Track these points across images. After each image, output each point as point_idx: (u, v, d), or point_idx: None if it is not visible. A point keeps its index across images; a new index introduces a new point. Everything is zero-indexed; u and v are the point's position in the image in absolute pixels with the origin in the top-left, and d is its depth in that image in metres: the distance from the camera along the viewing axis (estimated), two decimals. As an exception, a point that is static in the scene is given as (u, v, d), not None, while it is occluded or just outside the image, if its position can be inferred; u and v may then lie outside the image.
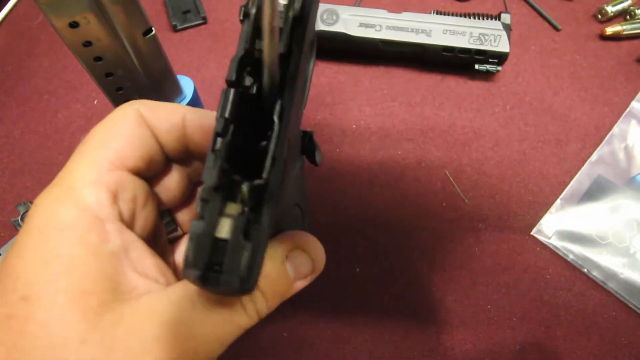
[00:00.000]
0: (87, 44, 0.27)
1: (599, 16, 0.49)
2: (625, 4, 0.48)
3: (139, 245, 0.19)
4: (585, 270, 0.36)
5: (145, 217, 0.21)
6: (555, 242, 0.37)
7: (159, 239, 0.24)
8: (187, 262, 0.14)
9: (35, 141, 0.42)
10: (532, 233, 0.38)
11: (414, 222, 0.38)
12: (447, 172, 0.41)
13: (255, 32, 0.15)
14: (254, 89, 0.16)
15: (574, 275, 0.37)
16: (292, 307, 0.36)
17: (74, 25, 0.26)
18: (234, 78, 0.15)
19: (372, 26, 0.43)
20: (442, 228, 0.38)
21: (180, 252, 0.30)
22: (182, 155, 0.23)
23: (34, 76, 0.46)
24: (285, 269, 0.20)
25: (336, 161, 0.41)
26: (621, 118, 0.43)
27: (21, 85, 0.45)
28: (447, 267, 0.37)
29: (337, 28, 0.43)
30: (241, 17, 0.16)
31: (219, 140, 0.15)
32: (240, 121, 0.15)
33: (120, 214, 0.19)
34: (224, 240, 0.14)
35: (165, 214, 0.27)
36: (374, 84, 0.45)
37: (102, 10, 0.26)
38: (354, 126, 0.43)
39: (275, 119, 0.15)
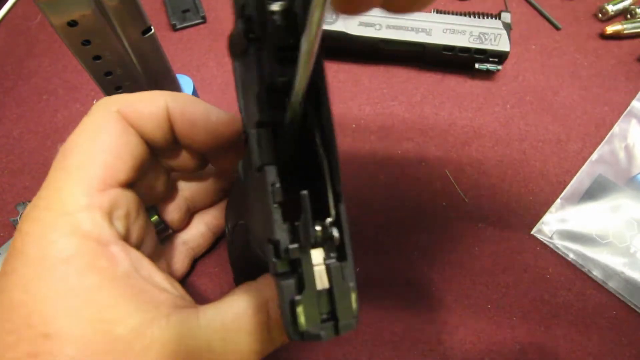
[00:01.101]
0: (86, 42, 0.27)
1: (600, 15, 0.49)
2: (625, 3, 0.48)
3: (145, 261, 0.19)
4: (586, 269, 0.36)
5: (138, 227, 0.20)
6: (555, 242, 0.37)
7: (150, 241, 0.23)
8: (295, 328, 0.14)
9: (34, 141, 0.42)
10: (532, 232, 0.38)
11: (414, 221, 0.38)
12: (447, 172, 0.40)
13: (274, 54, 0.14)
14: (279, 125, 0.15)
15: (574, 274, 0.36)
16: (291, 306, 0.36)
17: (72, 24, 0.26)
18: (261, 118, 0.14)
19: (371, 25, 0.43)
20: (442, 227, 0.38)
21: (173, 253, 0.30)
22: (170, 146, 0.22)
23: (33, 76, 0.46)
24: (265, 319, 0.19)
25: (336, 161, 0.41)
26: (622, 117, 0.43)
27: (20, 85, 0.45)
28: (447, 266, 0.37)
29: (337, 27, 0.43)
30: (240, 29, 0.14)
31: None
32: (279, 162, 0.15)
33: (119, 234, 0.18)
34: (326, 290, 0.14)
35: (152, 211, 0.26)
36: (373, 83, 0.45)
37: (101, 9, 0.26)
38: (353, 125, 0.43)
39: (321, 151, 0.15)
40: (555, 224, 0.38)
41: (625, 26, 0.47)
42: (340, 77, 0.45)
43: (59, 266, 0.16)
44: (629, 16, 0.49)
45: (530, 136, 0.42)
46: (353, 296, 0.14)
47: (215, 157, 0.25)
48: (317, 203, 0.15)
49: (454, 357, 0.34)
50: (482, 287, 0.36)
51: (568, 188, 0.40)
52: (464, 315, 0.35)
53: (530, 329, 0.35)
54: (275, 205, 0.14)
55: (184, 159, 0.24)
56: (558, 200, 0.39)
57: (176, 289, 0.19)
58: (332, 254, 0.15)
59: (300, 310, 0.14)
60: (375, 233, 0.38)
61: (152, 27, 0.29)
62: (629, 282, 0.36)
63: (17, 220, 0.38)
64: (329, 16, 0.43)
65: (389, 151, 0.41)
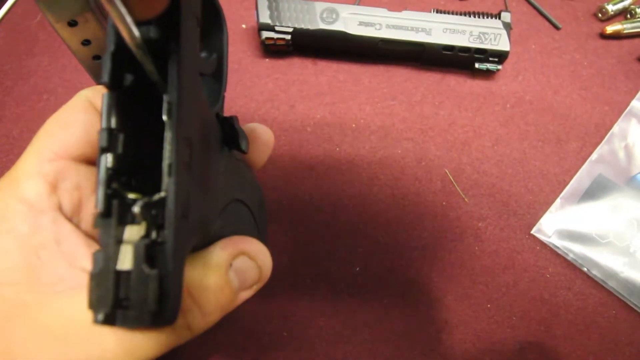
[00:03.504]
0: (86, 42, 0.27)
1: (600, 15, 0.49)
2: (625, 3, 0.48)
3: (74, 236, 0.18)
4: (585, 269, 0.36)
5: (92, 203, 0.20)
6: (555, 241, 0.37)
7: None
8: (91, 304, 0.12)
9: (34, 140, 0.42)
10: (532, 232, 0.38)
11: (414, 221, 0.38)
12: (447, 171, 0.40)
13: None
14: (143, 86, 0.14)
15: (574, 274, 0.36)
16: (291, 307, 0.35)
17: (72, 23, 0.25)
18: (107, 79, 0.13)
19: (371, 25, 0.43)
20: (441, 227, 0.38)
21: None
22: None
23: (33, 75, 0.46)
24: (229, 278, 0.18)
25: (335, 160, 0.41)
26: (621, 117, 0.43)
27: (20, 85, 0.45)
28: (446, 266, 0.37)
29: (337, 27, 0.43)
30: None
31: (105, 156, 0.13)
32: (134, 128, 0.13)
33: (59, 205, 0.18)
34: (128, 272, 0.12)
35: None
36: (373, 82, 0.45)
37: (101, 9, 0.26)
38: (353, 125, 0.43)
39: (165, 118, 0.13)
40: (555, 224, 0.38)
41: (625, 26, 0.47)
42: (340, 76, 0.45)
43: None
44: (628, 16, 0.48)
45: (530, 136, 0.42)
46: (152, 285, 0.12)
47: None
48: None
49: (454, 357, 0.34)
50: (482, 287, 0.36)
51: (568, 188, 0.40)
52: (464, 315, 0.35)
53: (530, 328, 0.35)
54: (100, 172, 0.13)
55: None
56: (558, 200, 0.39)
57: None
58: (158, 236, 0.13)
59: (91, 286, 0.12)
60: (375, 233, 0.38)
61: (152, 27, 0.29)
62: (628, 282, 0.36)
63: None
64: (329, 15, 0.43)
65: (388, 150, 0.41)
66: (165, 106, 0.13)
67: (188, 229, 0.14)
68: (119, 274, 0.12)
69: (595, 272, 0.36)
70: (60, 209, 0.18)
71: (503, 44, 0.42)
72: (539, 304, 0.35)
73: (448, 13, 0.44)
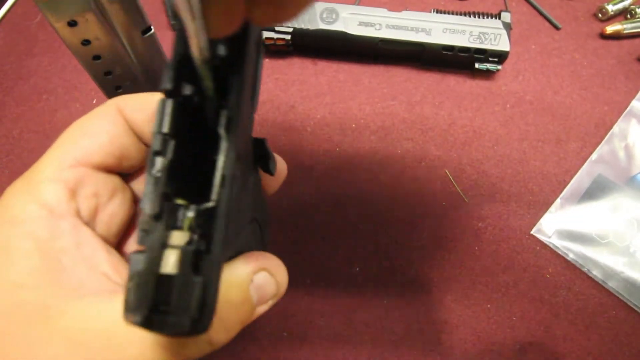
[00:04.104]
0: (86, 42, 0.27)
1: (600, 15, 0.49)
2: (625, 3, 0.48)
3: (93, 241, 0.19)
4: (585, 269, 0.36)
5: (111, 212, 0.20)
6: (555, 242, 0.37)
7: (119, 227, 0.23)
8: (128, 305, 0.12)
9: (34, 141, 0.42)
10: (532, 232, 0.38)
11: (414, 221, 0.38)
12: (447, 171, 0.40)
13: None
14: (196, 98, 0.14)
15: (574, 274, 0.36)
16: (291, 307, 0.35)
17: (72, 23, 0.26)
18: (169, 86, 0.13)
19: (371, 25, 0.43)
20: (441, 227, 0.38)
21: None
22: None
23: (33, 75, 0.46)
24: (250, 294, 0.18)
25: (335, 160, 0.41)
26: (621, 117, 0.43)
27: (20, 85, 0.45)
28: (446, 266, 0.37)
29: (337, 27, 0.43)
30: (172, 19, 0.14)
31: (158, 160, 0.13)
32: (183, 136, 0.14)
33: (77, 211, 0.19)
34: (170, 276, 0.12)
35: None
36: (373, 82, 0.45)
37: (101, 9, 0.26)
38: (353, 125, 0.43)
39: (222, 132, 0.13)
40: (555, 224, 0.38)
41: (625, 26, 0.47)
42: (340, 77, 0.45)
43: (6, 227, 0.17)
44: (628, 16, 0.49)
45: (530, 136, 0.42)
46: (196, 291, 0.12)
47: None
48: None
49: (454, 357, 0.34)
50: (482, 287, 0.36)
51: (568, 188, 0.40)
52: (464, 315, 0.35)
53: (530, 328, 0.35)
54: (149, 174, 0.13)
55: None
56: (558, 200, 0.39)
57: (120, 276, 0.19)
58: (201, 244, 0.13)
59: (130, 286, 0.12)
60: (375, 233, 0.38)
61: (152, 27, 0.29)
62: (628, 282, 0.36)
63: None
64: (329, 15, 0.43)
65: (389, 151, 0.41)
66: (223, 120, 0.13)
67: (228, 240, 0.14)
68: (161, 278, 0.12)
69: (595, 272, 0.36)
70: (78, 214, 0.19)
71: (503, 44, 0.42)
72: (539, 304, 0.35)
73: (448, 13, 0.44)
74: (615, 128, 0.42)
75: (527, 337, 0.34)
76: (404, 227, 0.38)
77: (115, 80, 0.31)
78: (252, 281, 0.18)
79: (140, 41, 0.29)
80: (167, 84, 0.13)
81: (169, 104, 0.13)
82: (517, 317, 0.35)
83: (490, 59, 0.43)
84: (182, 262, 0.12)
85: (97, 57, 0.28)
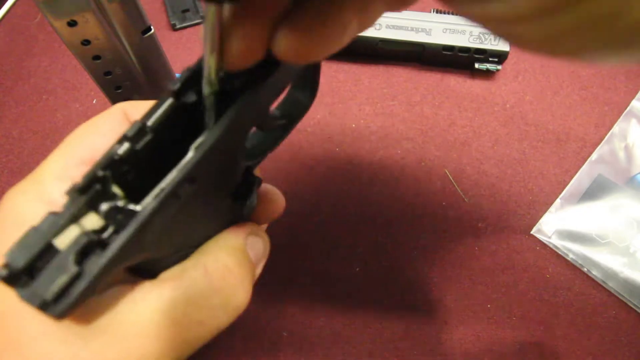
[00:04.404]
0: (86, 42, 0.27)
1: (599, 15, 0.49)
2: (625, 3, 0.48)
3: None
4: (585, 269, 0.36)
5: None
6: (555, 242, 0.37)
7: None
8: (8, 255, 0.12)
9: (34, 141, 0.42)
10: (532, 232, 0.38)
11: (414, 221, 0.38)
12: (446, 171, 0.40)
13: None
14: (196, 109, 0.14)
15: (573, 274, 0.36)
16: (291, 307, 0.35)
17: (72, 24, 0.26)
18: (176, 88, 0.13)
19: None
20: (441, 227, 0.38)
21: None
22: None
23: (33, 75, 0.46)
24: (248, 254, 0.20)
25: (335, 160, 0.41)
26: (621, 117, 0.43)
27: (20, 85, 0.45)
28: (446, 266, 0.37)
29: (337, 27, 0.43)
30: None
31: (123, 144, 0.13)
32: (162, 136, 0.14)
33: None
34: (56, 250, 0.12)
35: None
36: (373, 83, 0.45)
37: (101, 9, 0.26)
38: (353, 125, 0.43)
39: (191, 151, 0.13)
40: (555, 224, 0.38)
41: (625, 26, 0.47)
42: (340, 77, 0.45)
43: (13, 228, 0.17)
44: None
45: (530, 136, 0.42)
46: (62, 279, 0.12)
47: None
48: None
49: (454, 357, 0.34)
50: (482, 287, 0.36)
51: (568, 188, 0.40)
52: (464, 315, 0.35)
53: (530, 329, 0.35)
54: (108, 154, 0.13)
55: None
56: (558, 200, 0.39)
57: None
58: (106, 238, 0.13)
59: (21, 237, 0.12)
60: (375, 233, 0.38)
61: (151, 27, 0.29)
62: (628, 282, 0.36)
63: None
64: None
65: (388, 151, 0.41)
66: (195, 144, 0.13)
67: (138, 248, 0.14)
68: (50, 246, 0.12)
69: (595, 272, 0.36)
70: None
71: (503, 44, 0.42)
72: (539, 304, 0.35)
73: (448, 13, 0.44)
74: (615, 128, 0.42)
75: (527, 337, 0.34)
76: (404, 227, 0.38)
77: (115, 80, 0.31)
78: (246, 244, 0.20)
79: (140, 41, 0.29)
80: (175, 86, 0.13)
81: (168, 103, 0.13)
82: (517, 317, 0.35)
83: (490, 59, 0.43)
84: (73, 245, 0.12)
85: (97, 57, 0.28)
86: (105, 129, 0.19)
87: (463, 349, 0.34)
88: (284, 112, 0.21)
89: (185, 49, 0.47)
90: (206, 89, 0.13)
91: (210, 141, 0.13)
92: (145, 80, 0.32)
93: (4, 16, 0.49)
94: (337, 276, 0.36)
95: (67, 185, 0.18)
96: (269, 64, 0.14)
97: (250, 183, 0.20)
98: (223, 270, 0.18)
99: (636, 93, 0.44)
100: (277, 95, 0.17)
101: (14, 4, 0.50)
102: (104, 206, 0.13)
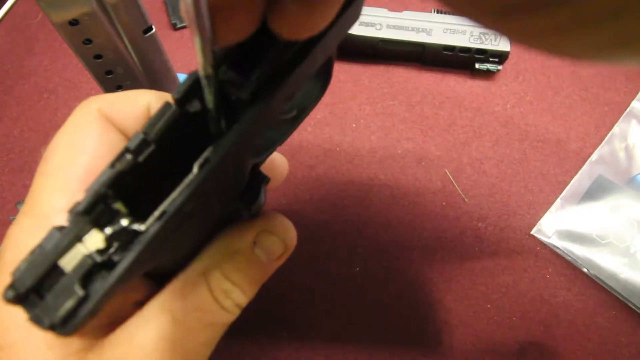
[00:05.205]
0: (87, 41, 0.27)
1: (600, 15, 0.49)
2: (625, 4, 0.48)
3: None
4: (585, 269, 0.36)
5: None
6: (555, 242, 0.37)
7: None
8: (15, 275, 0.12)
9: (35, 140, 0.42)
10: (532, 232, 0.38)
11: (414, 221, 0.38)
12: (447, 171, 0.40)
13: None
14: (199, 119, 0.13)
15: (573, 274, 0.36)
16: (291, 307, 0.36)
17: (73, 23, 0.26)
18: (180, 95, 0.12)
19: (372, 25, 0.43)
20: (441, 227, 0.38)
21: None
22: None
23: (34, 75, 0.46)
24: (256, 255, 0.19)
25: (335, 160, 0.41)
26: (622, 117, 0.43)
27: (21, 84, 0.45)
28: (446, 266, 0.37)
29: (338, 27, 0.43)
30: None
31: (125, 157, 0.12)
32: (165, 148, 0.13)
33: None
34: (62, 271, 0.12)
35: None
36: (373, 82, 0.45)
37: (102, 8, 0.26)
38: (353, 125, 0.43)
39: (195, 168, 0.13)
40: (555, 224, 0.38)
41: (625, 26, 0.47)
42: (340, 76, 0.45)
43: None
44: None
45: (530, 136, 0.42)
46: (70, 302, 0.12)
47: None
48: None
49: (454, 357, 0.34)
50: (482, 287, 0.36)
51: (568, 188, 0.40)
52: (464, 315, 0.35)
53: (530, 329, 0.35)
54: (109, 169, 0.12)
55: None
56: (558, 201, 0.39)
57: (141, 295, 0.19)
58: (112, 259, 0.12)
59: (27, 259, 0.12)
60: (375, 233, 0.38)
61: (152, 26, 0.30)
62: (628, 282, 0.36)
63: (17, 219, 0.38)
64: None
65: (388, 150, 0.41)
66: (200, 160, 0.13)
67: (141, 266, 0.14)
68: (55, 266, 0.12)
69: (595, 273, 0.36)
70: None
71: (503, 44, 0.42)
72: (538, 304, 0.35)
73: (448, 13, 0.44)
74: (616, 129, 0.42)
75: (527, 338, 0.34)
76: (404, 227, 0.38)
77: (116, 80, 0.31)
78: (255, 243, 0.19)
79: (142, 41, 0.29)
80: (179, 93, 0.12)
81: (172, 111, 0.13)
82: (517, 317, 0.35)
83: (491, 59, 0.43)
84: (78, 267, 0.12)
85: (98, 57, 0.28)
86: (89, 143, 0.18)
87: (463, 350, 0.34)
88: (294, 103, 0.20)
89: (186, 48, 0.47)
90: (201, 71, 0.12)
91: (216, 158, 0.13)
92: (146, 79, 0.32)
93: (4, 15, 0.49)
94: (337, 276, 0.36)
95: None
96: (282, 68, 0.13)
97: (258, 182, 0.19)
98: (225, 286, 0.18)
99: (636, 93, 0.44)
100: (292, 98, 0.16)
101: (15, 3, 0.50)
102: (108, 230, 0.12)
